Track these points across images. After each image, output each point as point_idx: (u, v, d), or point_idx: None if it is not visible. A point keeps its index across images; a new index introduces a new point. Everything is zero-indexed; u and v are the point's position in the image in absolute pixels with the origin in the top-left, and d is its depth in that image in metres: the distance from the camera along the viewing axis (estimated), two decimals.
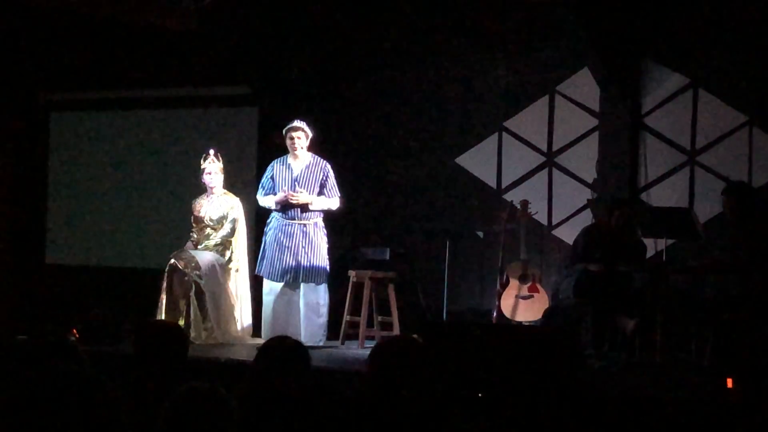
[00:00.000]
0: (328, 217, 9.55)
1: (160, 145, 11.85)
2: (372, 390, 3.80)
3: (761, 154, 9.52)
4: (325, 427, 3.90)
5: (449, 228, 10.33)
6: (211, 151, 9.52)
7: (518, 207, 9.74)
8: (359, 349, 9.23)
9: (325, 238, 9.22)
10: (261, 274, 9.31)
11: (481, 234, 10.46)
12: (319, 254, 9.14)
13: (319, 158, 9.26)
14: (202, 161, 9.58)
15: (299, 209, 9.12)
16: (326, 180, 9.17)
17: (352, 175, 10.85)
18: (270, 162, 9.44)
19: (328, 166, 9.23)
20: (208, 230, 9.58)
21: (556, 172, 10.37)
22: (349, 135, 10.99)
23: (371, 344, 9.39)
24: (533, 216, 9.86)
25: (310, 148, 9.28)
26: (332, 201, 9.22)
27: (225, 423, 3.03)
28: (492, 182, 10.57)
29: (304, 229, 9.13)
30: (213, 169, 9.52)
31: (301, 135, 9.13)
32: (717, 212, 9.21)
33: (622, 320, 8.54)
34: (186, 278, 9.24)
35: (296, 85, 10.97)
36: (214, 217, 9.55)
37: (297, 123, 9.19)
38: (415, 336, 9.28)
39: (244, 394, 3.95)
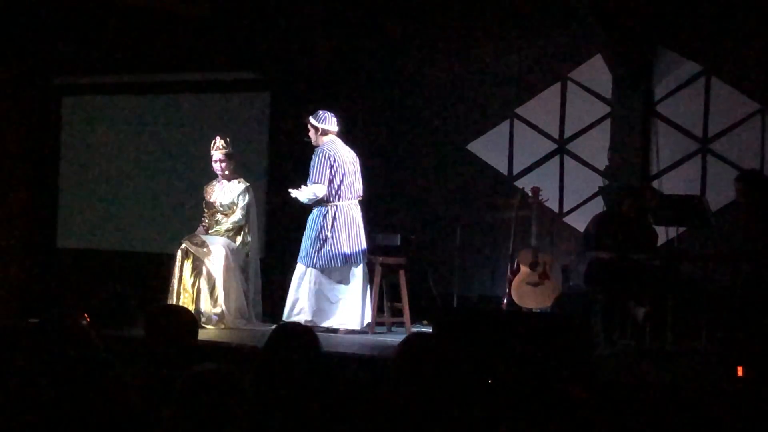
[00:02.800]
0: None
1: (172, 130, 11.85)
2: (396, 380, 3.82)
3: None
4: (335, 412, 3.91)
5: (460, 214, 10.33)
6: (218, 138, 9.53)
7: (529, 194, 9.73)
8: (370, 335, 9.23)
9: (316, 224, 9.05)
10: None
11: (492, 221, 10.46)
12: (307, 237, 9.11)
13: (322, 144, 9.11)
14: (210, 148, 9.59)
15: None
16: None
17: (363, 161, 10.85)
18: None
19: (315, 152, 9.08)
20: (219, 215, 9.60)
21: (567, 159, 10.36)
22: (360, 121, 10.98)
23: (381, 330, 9.45)
24: (544, 203, 9.85)
25: (341, 135, 9.27)
26: (308, 190, 9.04)
27: (237, 404, 3.05)
28: (503, 169, 10.57)
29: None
30: (220, 156, 9.53)
31: (309, 128, 9.14)
32: (729, 200, 9.19)
33: (633, 308, 8.54)
34: (197, 263, 9.26)
35: (308, 70, 10.96)
36: (225, 203, 9.57)
37: (309, 117, 9.19)
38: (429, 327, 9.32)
39: (254, 378, 3.96)
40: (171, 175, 11.81)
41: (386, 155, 10.93)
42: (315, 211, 9.12)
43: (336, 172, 9.01)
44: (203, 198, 9.75)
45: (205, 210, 9.72)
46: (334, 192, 9.04)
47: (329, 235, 9.03)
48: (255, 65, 11.32)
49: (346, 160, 9.12)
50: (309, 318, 8.96)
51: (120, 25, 11.65)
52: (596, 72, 10.17)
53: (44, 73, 12.30)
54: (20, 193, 12.26)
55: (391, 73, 10.93)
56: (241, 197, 9.55)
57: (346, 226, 9.08)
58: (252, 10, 11.08)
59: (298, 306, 9.10)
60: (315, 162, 9.04)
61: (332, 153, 9.03)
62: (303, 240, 9.16)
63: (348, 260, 9.08)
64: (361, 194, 9.27)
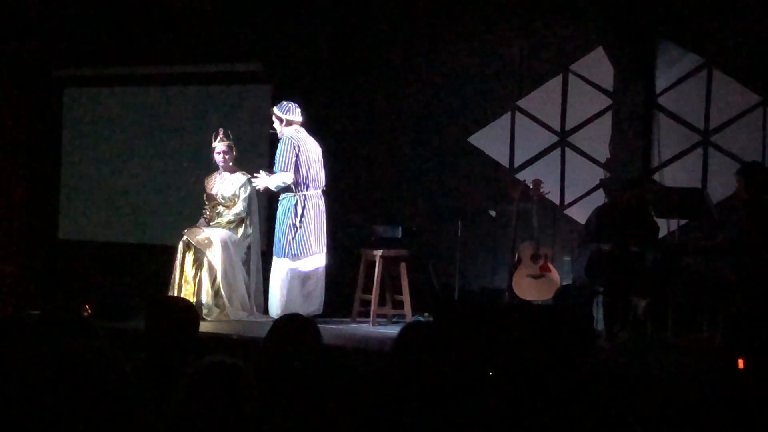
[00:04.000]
0: (339, 194, 9.65)
1: (172, 122, 11.84)
2: (396, 370, 3.82)
3: None
4: (336, 404, 3.91)
5: (462, 207, 10.32)
6: (221, 130, 9.58)
7: (531, 186, 9.72)
8: (370, 327, 9.26)
9: (288, 214, 9.20)
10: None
11: (493, 213, 10.46)
12: (280, 228, 9.26)
13: (288, 133, 9.27)
14: (213, 140, 9.61)
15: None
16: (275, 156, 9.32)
17: (365, 153, 10.86)
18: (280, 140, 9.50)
19: (281, 140, 9.25)
20: (220, 208, 9.61)
21: (569, 151, 10.35)
22: (362, 112, 10.98)
23: (382, 322, 9.46)
24: (546, 195, 9.84)
25: (306, 126, 9.41)
26: (276, 177, 9.21)
27: (244, 397, 3.05)
28: (505, 161, 10.55)
29: (277, 205, 9.38)
30: (224, 147, 9.56)
31: (274, 119, 9.32)
32: (730, 193, 9.18)
33: (634, 300, 8.54)
34: (198, 255, 9.27)
35: (309, 62, 10.96)
36: (226, 195, 9.58)
37: (272, 108, 9.41)
38: (428, 315, 9.33)
39: (255, 370, 3.96)
40: (172, 167, 11.79)
41: (388, 147, 10.92)
42: (285, 202, 9.29)
43: (301, 160, 9.20)
44: (204, 190, 9.76)
45: (206, 202, 9.73)
46: (302, 181, 9.23)
47: (300, 224, 9.20)
48: (256, 57, 11.30)
49: (311, 149, 9.31)
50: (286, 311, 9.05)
51: (121, 16, 11.65)
52: (598, 64, 10.16)
53: (46, 65, 12.28)
54: (21, 184, 12.25)
55: (392, 64, 10.92)
56: (242, 189, 9.57)
57: (314, 215, 9.28)
58: (253, 1, 11.07)
59: (284, 302, 9.15)
60: (281, 150, 9.22)
61: (296, 142, 9.21)
62: (275, 232, 9.28)
63: (315, 250, 9.29)
64: (325, 185, 9.42)
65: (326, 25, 10.95)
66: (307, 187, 9.24)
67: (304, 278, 9.27)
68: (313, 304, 9.29)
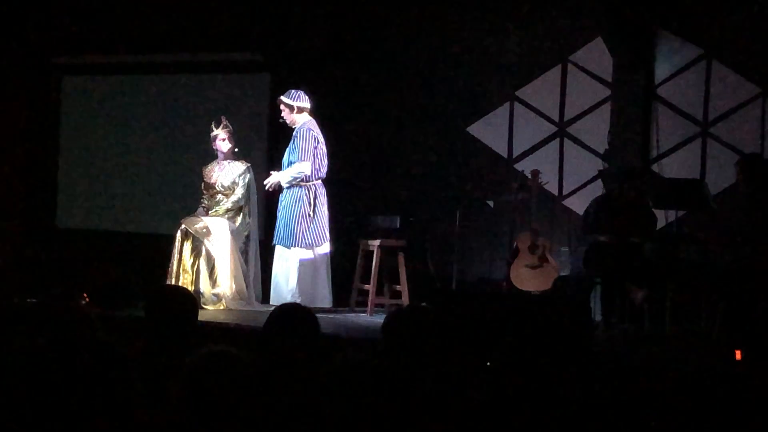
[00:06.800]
0: (338, 184, 9.67)
1: (171, 110, 11.83)
2: (384, 358, 3.81)
3: None
4: (333, 393, 3.91)
5: (460, 197, 10.31)
6: (222, 118, 9.58)
7: (529, 177, 9.71)
8: (368, 317, 9.27)
9: (300, 203, 9.25)
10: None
11: (491, 203, 10.45)
12: (291, 218, 9.26)
13: (304, 122, 9.31)
14: (213, 127, 9.61)
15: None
16: (292, 144, 9.32)
17: (363, 142, 10.85)
18: (287, 129, 9.54)
19: (301, 130, 9.28)
20: (219, 196, 9.61)
21: (567, 142, 10.35)
22: (360, 102, 10.96)
23: (381, 312, 9.46)
24: (544, 186, 9.83)
25: (314, 114, 9.46)
26: (294, 168, 9.25)
27: (243, 386, 3.05)
28: (503, 152, 10.55)
29: (284, 193, 9.36)
30: (223, 135, 9.55)
31: (283, 108, 9.36)
32: (729, 184, 9.19)
33: (632, 291, 8.54)
34: (197, 243, 9.27)
35: (308, 51, 10.94)
36: (225, 183, 9.58)
37: (280, 97, 9.41)
38: (424, 305, 9.33)
39: (254, 360, 3.96)
40: (171, 155, 11.79)
41: (386, 137, 10.91)
42: (294, 192, 9.29)
43: (317, 151, 9.28)
44: (202, 179, 9.75)
45: (204, 192, 9.72)
46: (315, 171, 9.28)
47: (314, 213, 9.26)
48: (255, 46, 11.29)
49: (322, 140, 9.36)
50: (300, 300, 9.04)
51: (120, 4, 11.63)
52: (597, 55, 10.15)
53: (44, 53, 12.26)
54: (19, 172, 12.24)
55: (391, 54, 10.90)
56: (241, 177, 9.57)
57: (325, 205, 9.38)
58: None
59: (298, 292, 9.17)
60: (301, 140, 9.24)
61: (316, 133, 9.31)
62: (282, 222, 9.26)
63: (327, 239, 9.39)
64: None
65: (325, 13, 10.93)
66: (319, 177, 9.32)
67: (319, 267, 9.34)
68: (326, 295, 9.38)
